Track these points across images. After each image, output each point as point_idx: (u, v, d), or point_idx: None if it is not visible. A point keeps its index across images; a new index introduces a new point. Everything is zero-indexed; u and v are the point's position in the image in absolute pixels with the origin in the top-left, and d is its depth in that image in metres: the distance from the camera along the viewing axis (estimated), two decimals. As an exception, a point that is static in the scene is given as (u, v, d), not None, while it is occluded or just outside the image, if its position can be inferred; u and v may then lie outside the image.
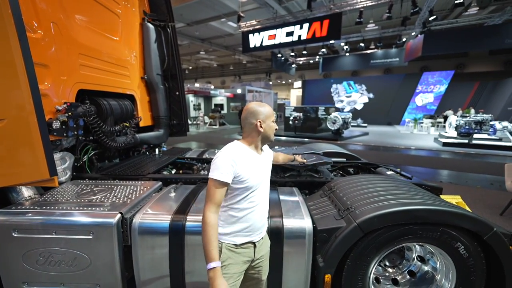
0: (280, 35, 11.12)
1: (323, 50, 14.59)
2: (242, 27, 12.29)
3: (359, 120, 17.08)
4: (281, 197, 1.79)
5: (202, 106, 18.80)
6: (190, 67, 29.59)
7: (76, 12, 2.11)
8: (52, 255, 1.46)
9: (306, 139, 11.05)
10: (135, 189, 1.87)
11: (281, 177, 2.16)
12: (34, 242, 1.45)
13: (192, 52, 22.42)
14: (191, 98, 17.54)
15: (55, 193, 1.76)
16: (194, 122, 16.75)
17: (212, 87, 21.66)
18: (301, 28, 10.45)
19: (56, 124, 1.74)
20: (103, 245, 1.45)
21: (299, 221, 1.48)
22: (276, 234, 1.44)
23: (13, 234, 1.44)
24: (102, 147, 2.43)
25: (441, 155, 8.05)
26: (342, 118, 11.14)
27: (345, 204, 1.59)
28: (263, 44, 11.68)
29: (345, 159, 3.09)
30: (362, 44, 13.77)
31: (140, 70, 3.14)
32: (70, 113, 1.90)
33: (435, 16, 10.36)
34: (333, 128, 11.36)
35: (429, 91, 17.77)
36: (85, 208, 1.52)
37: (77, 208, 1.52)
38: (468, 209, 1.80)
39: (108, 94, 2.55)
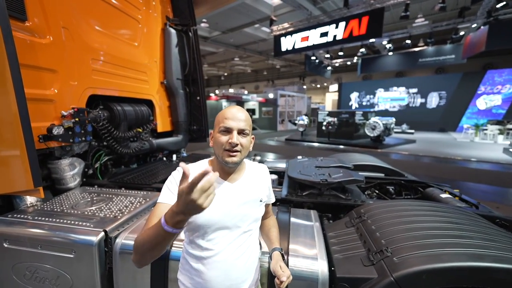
0: (314, 37, 10.59)
1: (362, 50, 13.50)
2: (274, 31, 12.11)
3: (404, 126, 15.29)
4: (292, 222, 1.44)
5: (235, 111, 19.08)
6: (225, 74, 30.61)
7: (92, 18, 2.10)
8: (38, 270, 1.36)
9: (341, 146, 10.21)
10: (133, 201, 1.72)
11: (298, 195, 1.80)
12: (22, 255, 1.37)
13: (227, 59, 23.13)
14: (224, 103, 17.96)
15: (56, 201, 1.70)
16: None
17: (246, 92, 21.93)
18: (336, 27, 9.78)
19: (58, 130, 1.69)
20: (85, 266, 1.30)
21: (311, 262, 1.12)
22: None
23: (4, 244, 1.39)
24: (115, 153, 2.39)
25: (514, 169, 6.53)
26: (383, 124, 10.03)
27: (378, 242, 1.17)
28: (295, 47, 11.28)
29: (383, 174, 2.56)
30: (408, 41, 12.32)
31: (160, 75, 3.11)
32: (77, 119, 1.86)
33: (504, 2, 8.67)
34: (372, 135, 10.30)
35: (495, 92, 15.03)
36: (72, 222, 1.40)
37: (65, 221, 1.41)
38: None
39: (125, 99, 2.53)
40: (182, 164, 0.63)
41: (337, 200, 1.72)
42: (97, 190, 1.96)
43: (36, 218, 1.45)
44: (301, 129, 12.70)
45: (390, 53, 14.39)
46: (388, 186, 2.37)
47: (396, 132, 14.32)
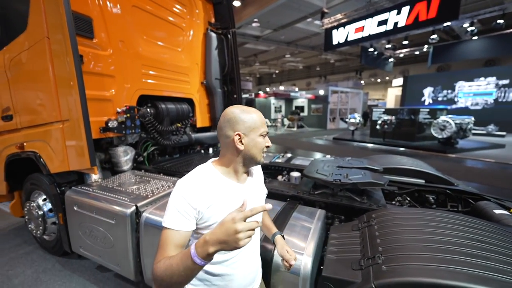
0: (370, 26, 9.59)
1: (434, 36, 11.47)
2: (326, 24, 11.50)
3: (490, 127, 12.40)
4: (293, 216, 1.46)
5: (283, 109, 19.06)
6: (277, 71, 30.67)
7: (142, 29, 2.52)
8: (93, 230, 1.79)
9: (401, 148, 9.01)
10: (164, 185, 2.03)
11: (310, 193, 1.78)
12: (84, 217, 1.82)
13: (279, 56, 23.15)
14: (272, 101, 18.15)
15: (111, 180, 2.16)
16: (273, 124, 17.23)
17: (297, 89, 21.56)
18: (398, 13, 8.61)
19: (112, 124, 2.13)
20: (121, 232, 1.64)
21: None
22: (264, 272, 1.16)
23: (74, 207, 1.87)
24: (157, 144, 2.82)
25: None
26: (456, 123, 8.40)
27: (375, 249, 1.10)
28: (348, 39, 10.46)
29: (423, 181, 2.24)
30: (501, 21, 9.84)
31: (200, 76, 3.45)
32: (128, 115, 2.29)
33: None
34: (440, 136, 8.75)
35: None
36: (116, 196, 1.77)
37: (112, 195, 1.79)
38: None
39: (170, 98, 2.94)
40: (244, 199, 0.65)
41: (351, 202, 1.64)
42: (142, 173, 2.38)
43: (95, 190, 1.89)
44: (352, 128, 11.80)
45: (474, 38, 11.80)
46: (428, 194, 2.08)
47: (478, 134, 11.80)
